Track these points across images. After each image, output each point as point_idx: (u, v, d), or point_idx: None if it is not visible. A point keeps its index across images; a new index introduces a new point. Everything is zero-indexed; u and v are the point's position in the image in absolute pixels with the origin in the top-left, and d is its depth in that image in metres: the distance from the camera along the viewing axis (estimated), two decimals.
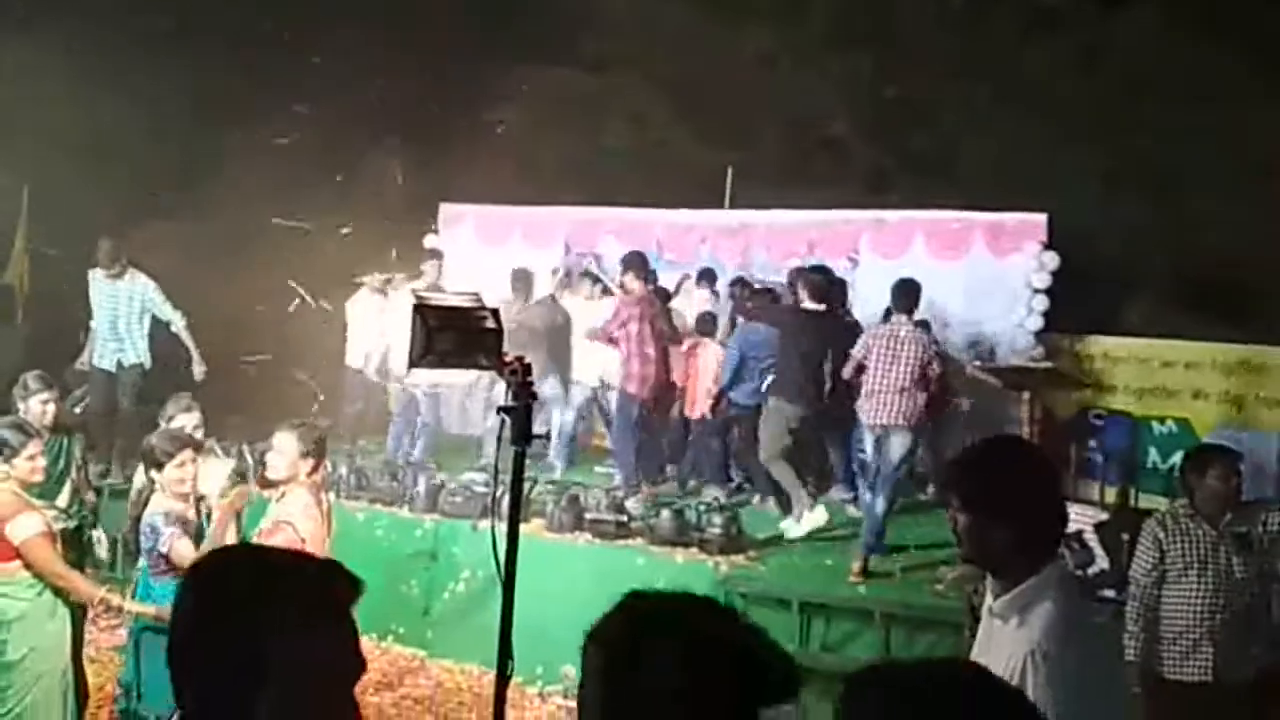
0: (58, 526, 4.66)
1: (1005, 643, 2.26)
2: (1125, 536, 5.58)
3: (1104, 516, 6.39)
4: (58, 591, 4.22)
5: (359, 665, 1.42)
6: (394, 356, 8.72)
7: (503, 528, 2.43)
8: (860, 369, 6.66)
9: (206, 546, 4.07)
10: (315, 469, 4.28)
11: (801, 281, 7.38)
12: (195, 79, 10.58)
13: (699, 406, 8.21)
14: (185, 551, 4.07)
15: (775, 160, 10.94)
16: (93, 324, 8.13)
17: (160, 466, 4.21)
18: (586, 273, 9.43)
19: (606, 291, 8.63)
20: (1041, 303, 8.45)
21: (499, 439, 2.46)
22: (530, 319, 8.19)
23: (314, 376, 9.32)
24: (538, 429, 2.49)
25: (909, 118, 11.06)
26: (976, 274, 8.57)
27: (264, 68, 10.95)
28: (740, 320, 8.12)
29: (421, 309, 2.47)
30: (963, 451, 2.63)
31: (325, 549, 4.11)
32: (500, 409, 2.42)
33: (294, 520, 4.03)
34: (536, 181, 10.74)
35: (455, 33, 11.72)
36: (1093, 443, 8.47)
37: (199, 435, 5.08)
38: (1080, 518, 6.07)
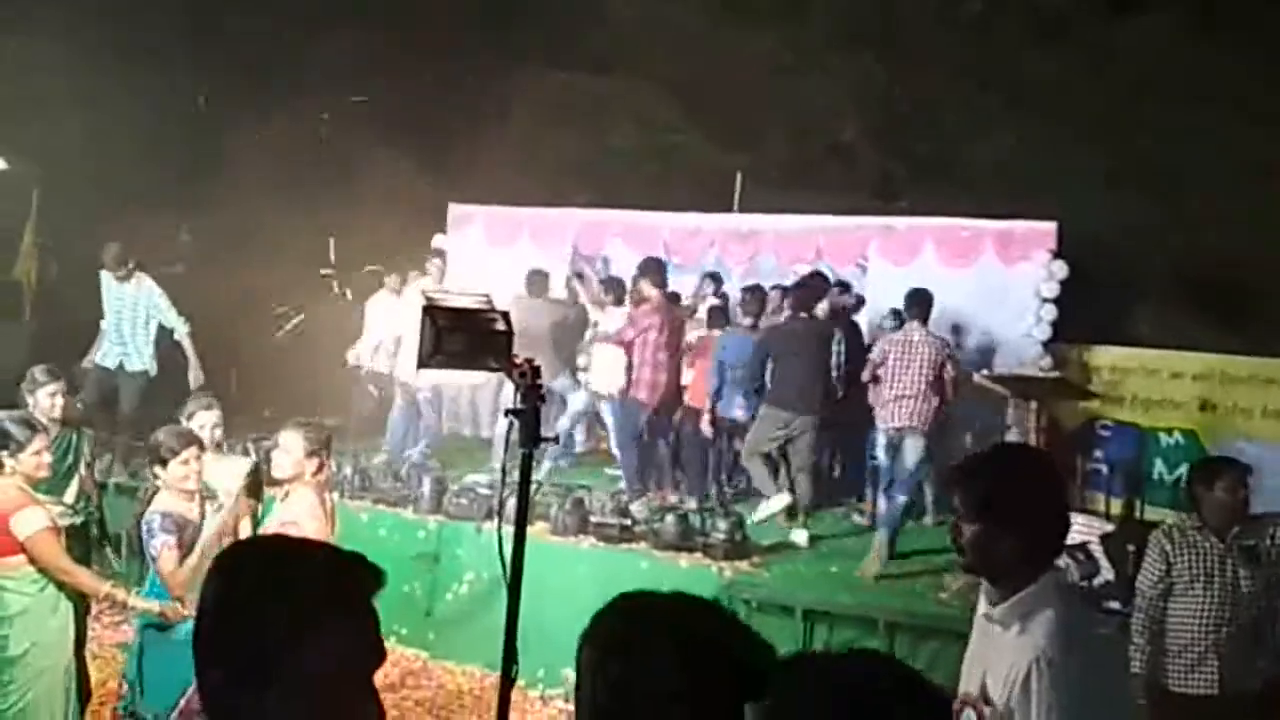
0: (64, 522, 4.67)
1: (1006, 649, 2.26)
2: (1131, 548, 5.57)
3: (1109, 528, 6.36)
4: (61, 587, 4.21)
5: (378, 656, 1.43)
6: (397, 356, 8.73)
7: (508, 530, 2.42)
8: (876, 374, 6.92)
9: (193, 560, 4.04)
10: (320, 469, 4.28)
11: (791, 292, 7.60)
12: (203, 78, 10.64)
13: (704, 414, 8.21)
14: (168, 564, 4.04)
15: (783, 164, 10.94)
16: (103, 324, 8.17)
17: (165, 463, 4.21)
18: (579, 274, 9.42)
19: (619, 301, 8.56)
20: (1050, 312, 8.42)
21: (506, 441, 2.46)
22: (538, 317, 8.19)
23: (320, 375, 9.32)
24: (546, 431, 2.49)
25: (918, 123, 11.05)
26: (985, 282, 8.53)
27: (270, 68, 10.99)
28: (718, 332, 8.15)
29: (431, 310, 2.47)
30: (971, 458, 2.64)
31: None
32: (509, 411, 2.41)
33: (300, 520, 4.02)
34: (544, 182, 10.74)
35: (464, 33, 11.74)
36: (1099, 453, 8.42)
37: (219, 434, 5.08)
38: (1086, 529, 6.06)
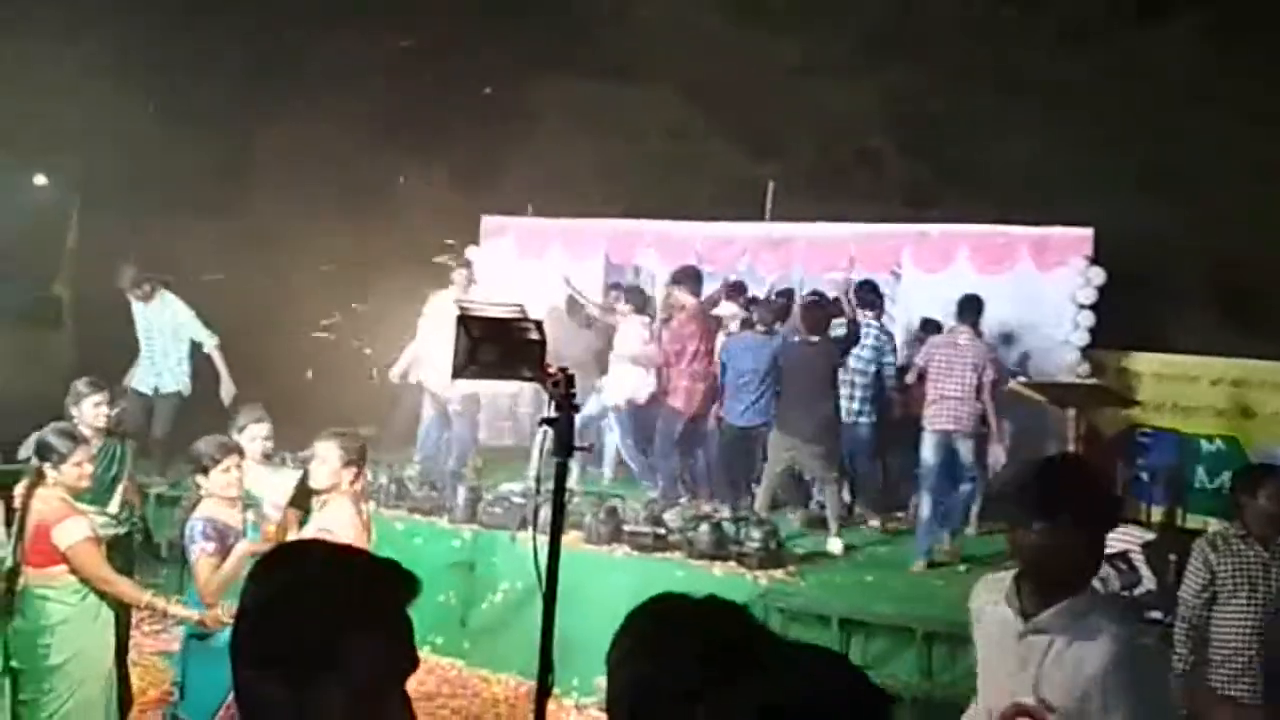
0: (108, 533, 4.73)
1: (1065, 657, 2.30)
2: (1172, 557, 5.48)
3: (1151, 536, 6.27)
4: (102, 596, 4.27)
5: (411, 664, 1.44)
6: (427, 366, 8.73)
7: (543, 539, 2.43)
8: (921, 375, 7.16)
9: (226, 570, 4.09)
10: (357, 478, 4.31)
11: (801, 312, 7.70)
12: (237, 87, 10.76)
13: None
14: (203, 572, 4.10)
15: (813, 172, 10.91)
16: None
17: (206, 472, 4.26)
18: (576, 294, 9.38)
19: (640, 309, 8.58)
20: (1087, 318, 8.32)
21: (540, 451, 2.47)
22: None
23: (355, 385, 9.37)
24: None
25: (948, 129, 10.98)
26: (1021, 288, 8.44)
27: (303, 76, 11.10)
28: (723, 336, 8.15)
29: (465, 320, 2.48)
30: (1040, 464, 2.71)
31: None
32: (543, 420, 2.42)
33: (336, 530, 4.04)
34: (575, 193, 10.77)
35: (490, 44, 11.80)
36: (1139, 461, 8.31)
37: (269, 445, 5.15)
38: (1126, 537, 5.97)
